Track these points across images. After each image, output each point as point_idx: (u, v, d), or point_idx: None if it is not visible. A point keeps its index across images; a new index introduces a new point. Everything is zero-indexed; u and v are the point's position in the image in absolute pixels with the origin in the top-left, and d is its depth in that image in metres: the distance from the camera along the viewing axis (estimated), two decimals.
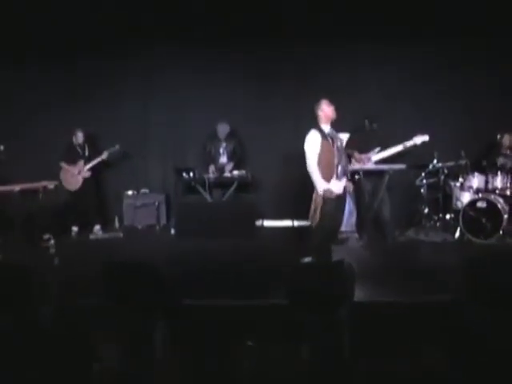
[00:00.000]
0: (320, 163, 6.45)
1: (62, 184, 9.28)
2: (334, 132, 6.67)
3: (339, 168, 6.46)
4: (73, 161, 9.41)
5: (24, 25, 9.34)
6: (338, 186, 6.49)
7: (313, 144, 6.51)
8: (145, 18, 9.52)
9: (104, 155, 9.53)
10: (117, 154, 9.77)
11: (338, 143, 6.57)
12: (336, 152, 6.47)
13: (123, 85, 10.14)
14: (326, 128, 6.59)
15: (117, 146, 9.54)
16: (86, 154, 9.52)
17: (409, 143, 8.25)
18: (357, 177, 8.36)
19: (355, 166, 8.46)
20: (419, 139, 8.25)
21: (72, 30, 9.47)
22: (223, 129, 9.57)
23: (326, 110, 6.64)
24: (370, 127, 8.41)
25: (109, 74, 10.15)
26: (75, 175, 9.35)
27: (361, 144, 8.47)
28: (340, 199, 6.58)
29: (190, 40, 9.74)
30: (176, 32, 9.62)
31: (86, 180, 9.42)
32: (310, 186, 9.68)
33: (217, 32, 9.58)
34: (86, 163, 9.41)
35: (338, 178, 6.48)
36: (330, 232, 6.75)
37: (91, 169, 9.48)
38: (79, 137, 9.46)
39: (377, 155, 8.35)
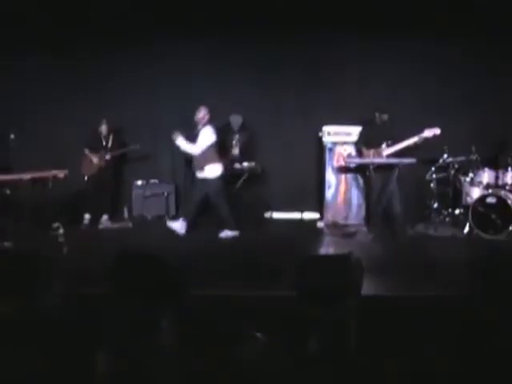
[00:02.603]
0: None
1: (81, 170, 9.44)
2: (199, 132, 8.49)
3: (194, 162, 8.52)
4: (95, 149, 9.54)
5: (34, 14, 9.39)
6: (199, 174, 8.49)
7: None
8: (161, 11, 9.56)
9: (123, 150, 9.72)
10: (137, 152, 9.91)
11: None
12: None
13: (134, 75, 10.12)
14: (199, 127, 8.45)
15: (138, 146, 9.66)
16: (109, 145, 9.63)
17: (420, 136, 8.20)
18: (367, 173, 8.39)
19: (366, 159, 8.46)
20: (430, 132, 8.20)
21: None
22: (236, 120, 9.59)
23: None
24: (380, 120, 8.39)
25: (120, 64, 10.18)
26: (93, 162, 9.46)
27: (371, 137, 8.46)
28: (202, 180, 8.48)
29: (203, 31, 9.72)
30: (188, 23, 9.63)
31: (102, 169, 9.50)
32: (318, 178, 9.76)
33: (229, 24, 9.58)
34: (106, 154, 9.53)
35: (195, 168, 8.51)
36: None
37: (109, 159, 9.59)
38: (104, 128, 9.58)
39: (387, 149, 8.33)
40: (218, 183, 8.44)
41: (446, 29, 9.24)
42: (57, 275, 4.16)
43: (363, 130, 8.81)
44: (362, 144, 8.63)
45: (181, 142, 8.45)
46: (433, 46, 9.48)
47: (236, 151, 9.67)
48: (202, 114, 8.47)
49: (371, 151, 8.42)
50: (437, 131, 8.20)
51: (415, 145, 8.27)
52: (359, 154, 8.72)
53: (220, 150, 9.61)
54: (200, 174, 8.47)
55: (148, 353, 3.36)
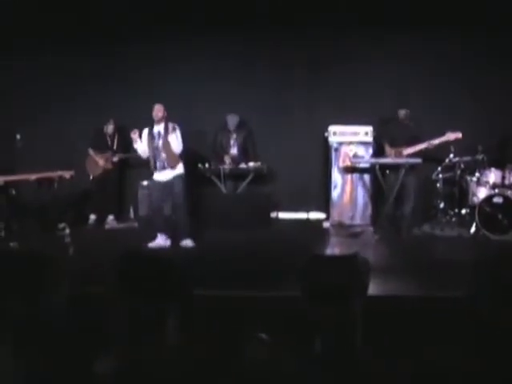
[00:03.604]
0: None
1: (87, 170, 9.49)
2: (162, 131, 7.73)
3: (156, 162, 7.72)
4: (100, 149, 9.56)
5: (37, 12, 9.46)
6: (162, 175, 7.77)
7: (142, 136, 7.80)
8: (164, 10, 9.59)
9: (132, 154, 9.57)
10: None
11: (160, 142, 7.70)
12: (153, 148, 7.74)
13: (138, 75, 10.11)
14: (156, 127, 7.78)
15: None
16: (115, 145, 9.65)
17: (441, 139, 8.25)
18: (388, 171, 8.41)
19: (372, 159, 8.47)
20: (452, 136, 8.24)
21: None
22: (232, 120, 9.58)
23: (153, 112, 7.77)
24: (404, 117, 8.45)
25: (120, 64, 10.22)
26: (99, 164, 9.48)
27: (395, 136, 8.49)
28: (165, 185, 7.77)
29: (201, 29, 9.73)
30: (189, 22, 9.66)
31: (107, 170, 9.56)
32: (323, 178, 9.75)
33: (228, 21, 9.58)
34: (113, 154, 9.56)
35: (158, 170, 7.75)
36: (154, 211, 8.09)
37: (116, 162, 9.63)
38: (110, 127, 9.60)
39: (409, 149, 8.35)
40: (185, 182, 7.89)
41: (453, 32, 9.25)
42: (63, 276, 4.17)
43: (387, 127, 8.83)
44: (385, 142, 8.65)
45: (172, 140, 7.67)
46: (442, 45, 9.48)
47: (234, 151, 9.67)
48: (163, 111, 7.82)
49: (393, 150, 8.44)
50: (459, 135, 8.24)
51: (434, 147, 8.30)
52: (382, 151, 8.75)
53: (217, 149, 9.69)
54: (169, 174, 7.72)
55: (151, 353, 3.36)
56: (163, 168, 7.70)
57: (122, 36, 9.89)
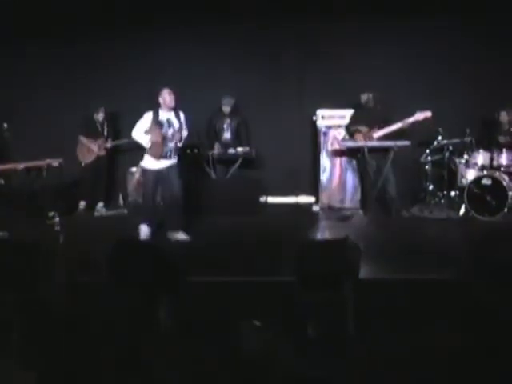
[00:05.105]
0: (149, 142, 7.16)
1: (78, 157, 9.44)
2: (172, 119, 7.23)
3: (164, 150, 7.12)
4: (91, 136, 9.50)
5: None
6: (159, 163, 7.18)
7: (142, 122, 7.21)
8: None
9: (124, 141, 9.50)
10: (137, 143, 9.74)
11: (170, 130, 7.17)
12: (163, 136, 7.11)
13: (130, 62, 10.05)
14: (163, 114, 7.19)
15: None
16: (105, 132, 9.62)
17: (410, 119, 8.24)
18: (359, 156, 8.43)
19: (359, 142, 8.48)
20: (421, 115, 8.23)
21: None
22: (227, 102, 9.47)
23: (165, 98, 7.18)
24: (368, 100, 8.44)
25: (111, 50, 10.12)
26: (91, 150, 9.45)
27: (362, 120, 8.48)
28: (159, 174, 7.24)
29: (191, 16, 9.66)
30: (176, 8, 9.56)
31: (99, 156, 9.52)
32: (312, 162, 9.76)
33: (220, 7, 9.51)
34: (105, 141, 9.54)
35: (162, 157, 7.14)
36: (147, 202, 7.47)
37: (109, 148, 9.62)
38: (100, 114, 9.54)
39: (378, 132, 8.35)
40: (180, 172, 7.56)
41: (437, 11, 9.25)
42: (56, 264, 4.17)
43: (354, 113, 8.83)
44: (352, 127, 8.65)
45: (184, 131, 7.34)
46: (426, 27, 9.46)
47: (227, 135, 9.63)
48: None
49: (361, 134, 8.45)
50: (428, 114, 8.24)
51: (406, 127, 8.30)
52: (351, 137, 8.74)
53: (211, 134, 9.65)
54: (166, 163, 7.23)
55: (147, 341, 3.37)
56: (167, 157, 7.17)
57: (110, 21, 9.79)
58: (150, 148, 7.17)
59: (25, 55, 9.96)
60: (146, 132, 7.14)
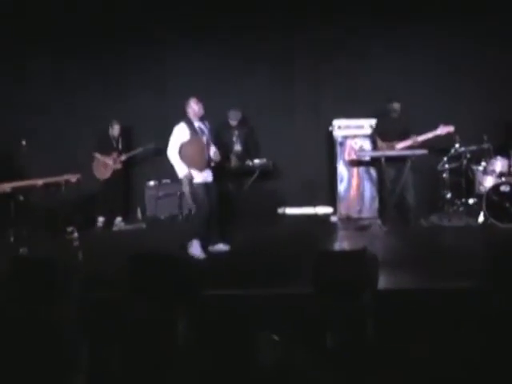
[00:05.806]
0: (187, 153, 6.93)
1: (95, 174, 9.47)
2: (204, 126, 7.21)
3: (206, 159, 7.06)
4: (106, 152, 9.52)
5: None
6: (207, 176, 7.14)
7: (177, 136, 7.00)
8: (170, 8, 9.64)
9: (139, 150, 9.71)
10: (151, 151, 9.80)
11: (205, 137, 7.13)
12: (204, 144, 7.07)
13: (142, 74, 10.14)
14: (196, 122, 7.10)
15: (152, 144, 9.54)
16: (120, 146, 9.66)
17: (433, 133, 8.21)
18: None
19: (377, 152, 8.46)
20: (444, 130, 8.20)
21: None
22: (235, 115, 9.47)
23: (194, 108, 7.11)
24: (393, 110, 8.41)
25: (121, 64, 10.24)
26: (108, 166, 9.49)
27: (386, 130, 8.45)
28: (208, 185, 7.12)
29: (202, 27, 9.76)
30: (187, 19, 9.71)
31: (116, 171, 9.54)
32: (329, 172, 9.74)
33: (230, 18, 9.63)
34: (119, 155, 9.55)
35: (206, 167, 7.10)
36: (204, 216, 7.05)
37: (124, 161, 9.65)
38: (115, 129, 9.57)
39: (400, 143, 8.31)
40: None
41: (458, 19, 9.29)
42: (74, 279, 4.19)
43: (378, 121, 8.80)
44: (376, 136, 8.63)
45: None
46: (445, 35, 9.46)
47: (238, 147, 9.61)
48: None
49: (385, 144, 8.41)
50: (451, 129, 8.20)
51: (428, 141, 8.27)
52: (374, 145, 8.73)
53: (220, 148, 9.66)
54: (209, 175, 7.23)
55: (164, 353, 3.38)
56: (208, 166, 7.13)
57: (128, 36, 9.94)
58: (191, 162, 6.95)
59: (38, 72, 10.06)
60: (184, 144, 6.93)
